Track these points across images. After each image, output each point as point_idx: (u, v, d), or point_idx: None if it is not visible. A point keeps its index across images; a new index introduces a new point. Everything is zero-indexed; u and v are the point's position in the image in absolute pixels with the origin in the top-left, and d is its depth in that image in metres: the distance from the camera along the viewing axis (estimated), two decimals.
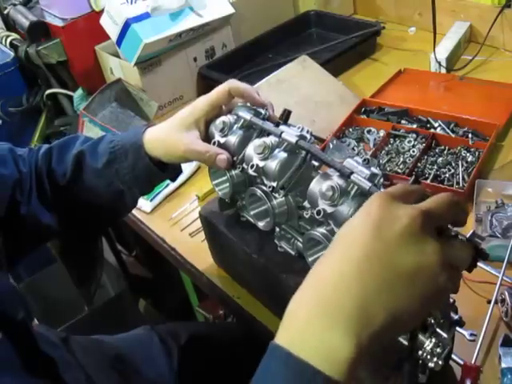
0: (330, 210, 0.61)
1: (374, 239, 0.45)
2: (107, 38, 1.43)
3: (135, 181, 0.79)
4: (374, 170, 0.60)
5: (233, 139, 0.76)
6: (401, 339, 0.62)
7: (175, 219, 1.12)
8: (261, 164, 0.70)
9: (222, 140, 0.76)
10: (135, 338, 1.00)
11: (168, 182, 1.17)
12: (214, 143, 0.76)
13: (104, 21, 1.39)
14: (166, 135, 0.78)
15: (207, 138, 0.79)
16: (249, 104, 0.79)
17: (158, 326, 1.04)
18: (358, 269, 0.44)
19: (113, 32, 1.38)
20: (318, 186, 0.64)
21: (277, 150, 0.70)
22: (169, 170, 0.81)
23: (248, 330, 0.88)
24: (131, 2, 1.34)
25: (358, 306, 0.43)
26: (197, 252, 1.01)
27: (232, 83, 0.78)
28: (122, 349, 0.95)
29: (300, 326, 0.44)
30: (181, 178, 1.20)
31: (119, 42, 1.37)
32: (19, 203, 0.79)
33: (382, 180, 0.61)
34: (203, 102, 0.78)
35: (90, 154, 0.79)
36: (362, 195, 0.60)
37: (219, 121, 0.77)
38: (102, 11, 1.41)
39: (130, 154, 0.78)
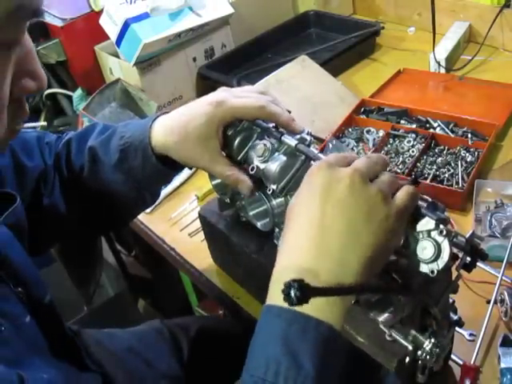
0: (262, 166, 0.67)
1: (325, 202, 0.52)
2: (106, 38, 1.43)
3: (147, 179, 0.78)
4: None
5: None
6: (404, 342, 0.62)
7: (175, 219, 1.12)
8: (261, 166, 0.70)
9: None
10: (146, 332, 1.01)
11: None
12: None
13: (103, 21, 1.39)
14: (181, 139, 0.73)
15: (224, 144, 0.75)
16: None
17: (167, 320, 1.05)
18: (322, 231, 0.51)
19: (112, 32, 1.38)
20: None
21: (276, 153, 0.70)
22: (176, 167, 0.79)
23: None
24: (130, 2, 1.34)
25: (335, 261, 0.50)
26: (196, 252, 1.01)
27: (266, 105, 0.71)
28: (133, 342, 0.96)
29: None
30: (180, 178, 1.20)
31: (118, 42, 1.37)
32: (42, 195, 0.79)
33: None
34: (228, 111, 0.72)
35: (102, 149, 0.78)
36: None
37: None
38: (101, 11, 1.41)
39: (139, 153, 0.75)
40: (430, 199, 0.58)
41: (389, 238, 0.53)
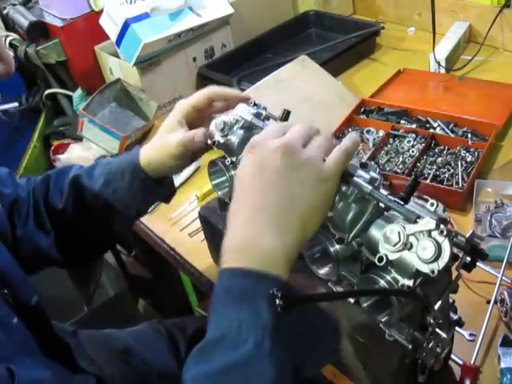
0: (329, 213, 0.62)
1: (262, 174, 0.57)
2: (106, 37, 1.43)
3: (132, 199, 0.81)
4: (373, 174, 0.61)
5: (233, 139, 0.76)
6: (404, 342, 0.62)
7: (174, 219, 1.12)
8: (222, 140, 0.75)
9: (222, 140, 0.76)
10: (143, 332, 1.01)
11: None
12: (214, 143, 0.77)
13: (103, 21, 1.39)
14: (157, 142, 0.80)
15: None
16: (247, 105, 0.79)
17: (165, 320, 1.05)
18: (262, 200, 0.56)
19: (112, 32, 1.38)
20: None
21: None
22: (164, 185, 0.83)
23: None
24: (130, 2, 1.34)
25: (275, 224, 0.55)
26: (196, 252, 1.01)
27: (211, 89, 0.80)
28: (130, 342, 0.96)
29: (235, 250, 0.55)
30: (180, 178, 1.20)
31: (118, 41, 1.37)
32: (15, 226, 0.81)
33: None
34: (183, 105, 0.80)
35: (85, 177, 0.81)
36: (362, 198, 0.61)
37: (220, 120, 0.77)
38: (101, 11, 1.41)
39: (127, 173, 0.79)
40: (430, 199, 0.58)
41: (322, 198, 0.57)
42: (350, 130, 1.19)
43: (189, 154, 0.79)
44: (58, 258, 0.84)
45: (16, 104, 0.72)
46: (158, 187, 0.81)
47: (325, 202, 0.58)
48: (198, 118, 0.81)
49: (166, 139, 0.78)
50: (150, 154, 0.79)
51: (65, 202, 0.81)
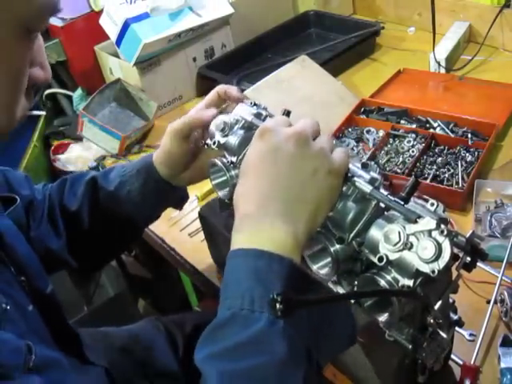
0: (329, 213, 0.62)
1: (275, 161, 0.57)
2: (107, 38, 1.43)
3: (145, 201, 0.82)
4: (374, 174, 0.61)
5: (233, 140, 0.76)
6: (404, 342, 0.62)
7: (174, 219, 1.12)
8: (222, 140, 0.74)
9: (223, 140, 0.76)
10: (141, 329, 1.01)
11: None
12: (214, 143, 0.77)
13: (103, 21, 1.39)
14: (168, 145, 0.80)
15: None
16: (247, 105, 0.79)
17: (163, 317, 1.05)
18: (274, 187, 0.57)
19: (112, 32, 1.38)
20: None
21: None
22: (177, 190, 0.84)
23: None
24: (130, 2, 1.34)
25: (286, 211, 0.56)
26: (196, 252, 1.02)
27: (219, 87, 0.81)
28: (128, 339, 0.96)
29: (247, 233, 0.56)
30: None
31: (118, 42, 1.37)
32: (29, 227, 0.82)
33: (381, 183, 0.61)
34: (197, 107, 0.81)
35: (102, 178, 0.83)
36: (363, 198, 0.61)
37: (220, 120, 0.77)
38: (101, 11, 1.41)
39: (141, 174, 0.81)
40: (430, 199, 0.58)
41: (331, 191, 0.58)
42: (350, 130, 1.19)
43: (192, 138, 0.80)
44: (70, 262, 0.85)
45: (44, 112, 0.76)
46: (170, 189, 0.82)
47: (333, 195, 0.59)
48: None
49: (175, 143, 0.79)
50: (163, 157, 0.80)
51: (80, 203, 0.82)
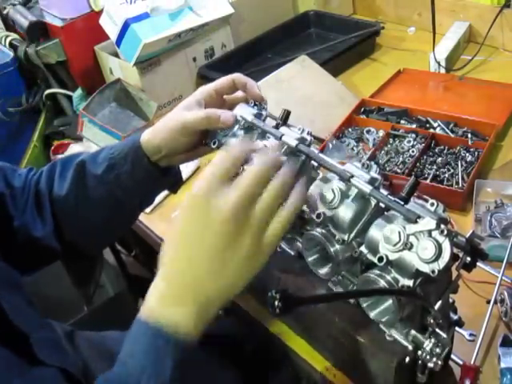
0: (329, 213, 0.62)
1: (202, 235, 0.56)
2: (106, 37, 1.43)
3: (135, 186, 0.78)
4: (374, 174, 0.61)
5: (234, 140, 0.75)
6: (404, 342, 0.62)
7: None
8: (222, 140, 0.74)
9: (223, 140, 0.76)
10: None
11: None
12: (214, 143, 0.76)
13: (103, 21, 1.39)
14: (167, 118, 0.77)
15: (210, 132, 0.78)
16: (248, 105, 0.78)
17: None
18: (193, 261, 0.57)
19: (112, 32, 1.38)
20: (317, 189, 0.64)
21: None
22: (169, 174, 0.81)
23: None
24: (130, 2, 1.34)
25: (196, 283, 0.56)
26: None
27: (237, 75, 0.79)
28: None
29: (154, 301, 0.57)
30: None
31: (118, 42, 1.37)
32: (12, 217, 0.79)
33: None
34: (207, 87, 0.78)
35: (90, 162, 0.79)
36: (362, 198, 0.61)
37: None
38: (101, 11, 1.41)
39: (129, 157, 0.77)
40: (430, 199, 0.58)
41: (250, 271, 0.57)
42: (350, 130, 1.19)
43: (198, 136, 0.77)
44: (58, 249, 0.82)
45: None
46: (160, 174, 0.79)
47: (251, 274, 0.57)
48: (217, 103, 0.78)
49: (180, 114, 0.76)
50: (155, 134, 0.77)
51: (68, 188, 0.79)
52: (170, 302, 0.56)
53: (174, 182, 0.86)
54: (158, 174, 0.78)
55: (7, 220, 0.79)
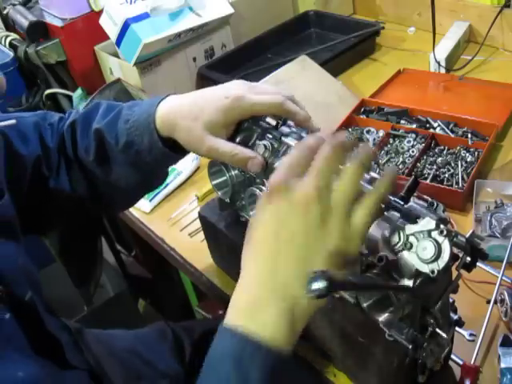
0: None
1: (277, 238, 0.53)
2: (106, 38, 1.43)
3: (154, 162, 0.77)
4: (374, 174, 0.61)
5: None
6: (404, 342, 0.62)
7: (174, 219, 1.12)
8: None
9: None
10: (149, 334, 1.01)
11: (167, 182, 1.18)
12: None
13: (103, 21, 1.39)
14: (190, 126, 0.71)
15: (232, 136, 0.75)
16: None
17: (173, 323, 1.05)
18: (276, 259, 0.53)
19: (112, 32, 1.38)
20: None
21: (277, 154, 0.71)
22: (183, 151, 0.77)
23: None
24: (130, 2, 1.34)
25: (283, 286, 0.52)
26: (196, 252, 1.01)
27: (285, 105, 0.72)
28: (135, 343, 0.96)
29: (241, 309, 0.53)
30: (180, 178, 1.20)
31: (118, 42, 1.37)
32: (47, 178, 0.79)
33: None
34: (244, 109, 0.71)
35: (109, 132, 0.77)
36: None
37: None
38: (101, 11, 1.41)
39: (146, 138, 0.74)
40: (430, 199, 0.58)
41: (340, 262, 0.53)
42: (350, 130, 1.19)
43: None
44: (79, 208, 0.83)
45: (13, 122, 0.70)
46: (176, 155, 0.77)
47: (339, 266, 0.53)
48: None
49: (200, 133, 0.71)
50: (176, 125, 0.72)
51: (92, 155, 0.78)
52: (257, 304, 0.52)
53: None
54: (172, 155, 0.76)
55: (41, 181, 0.79)
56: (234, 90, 0.71)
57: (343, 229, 0.52)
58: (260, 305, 0.52)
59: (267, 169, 0.70)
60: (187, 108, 0.72)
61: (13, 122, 0.70)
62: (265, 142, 0.71)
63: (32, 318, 0.65)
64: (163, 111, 0.74)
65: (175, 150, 0.75)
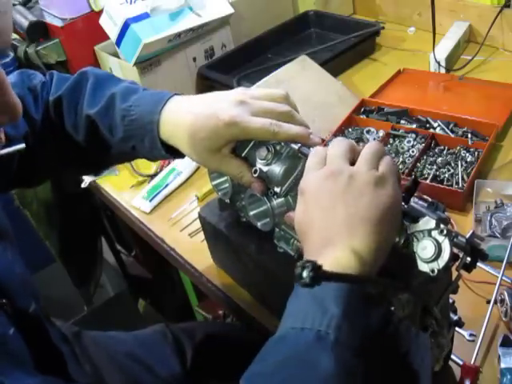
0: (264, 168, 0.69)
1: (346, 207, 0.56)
2: (106, 38, 1.43)
3: (153, 158, 0.79)
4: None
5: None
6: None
7: (174, 219, 1.12)
8: (264, 169, 0.70)
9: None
10: (148, 335, 1.00)
11: (167, 182, 1.18)
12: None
13: (103, 21, 1.39)
14: (190, 143, 0.70)
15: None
16: None
17: (173, 325, 1.04)
18: (331, 213, 0.56)
19: (112, 32, 1.38)
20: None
21: (279, 156, 0.70)
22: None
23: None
24: (130, 2, 1.34)
25: (345, 228, 0.54)
26: (196, 252, 1.01)
27: (281, 133, 0.69)
28: (135, 346, 0.95)
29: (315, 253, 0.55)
30: (180, 178, 1.20)
31: (118, 42, 1.37)
32: (33, 150, 0.76)
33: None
34: (237, 134, 0.69)
35: (101, 122, 0.75)
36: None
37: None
38: (101, 11, 1.41)
39: (147, 140, 0.73)
40: (430, 199, 0.58)
41: (384, 201, 0.56)
42: (350, 130, 1.19)
43: None
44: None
45: (23, 146, 0.67)
46: (177, 156, 0.76)
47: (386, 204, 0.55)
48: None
49: (202, 155, 0.71)
50: (178, 141, 0.72)
51: (84, 138, 0.78)
52: (328, 245, 0.54)
53: None
54: (173, 157, 0.77)
55: (30, 153, 0.76)
56: (231, 112, 0.68)
57: (369, 169, 0.58)
58: (329, 244, 0.54)
59: (267, 175, 0.71)
60: (189, 123, 0.70)
61: (22, 146, 0.67)
62: (267, 144, 0.71)
63: (36, 330, 0.63)
64: (166, 118, 0.72)
65: (177, 152, 0.74)
